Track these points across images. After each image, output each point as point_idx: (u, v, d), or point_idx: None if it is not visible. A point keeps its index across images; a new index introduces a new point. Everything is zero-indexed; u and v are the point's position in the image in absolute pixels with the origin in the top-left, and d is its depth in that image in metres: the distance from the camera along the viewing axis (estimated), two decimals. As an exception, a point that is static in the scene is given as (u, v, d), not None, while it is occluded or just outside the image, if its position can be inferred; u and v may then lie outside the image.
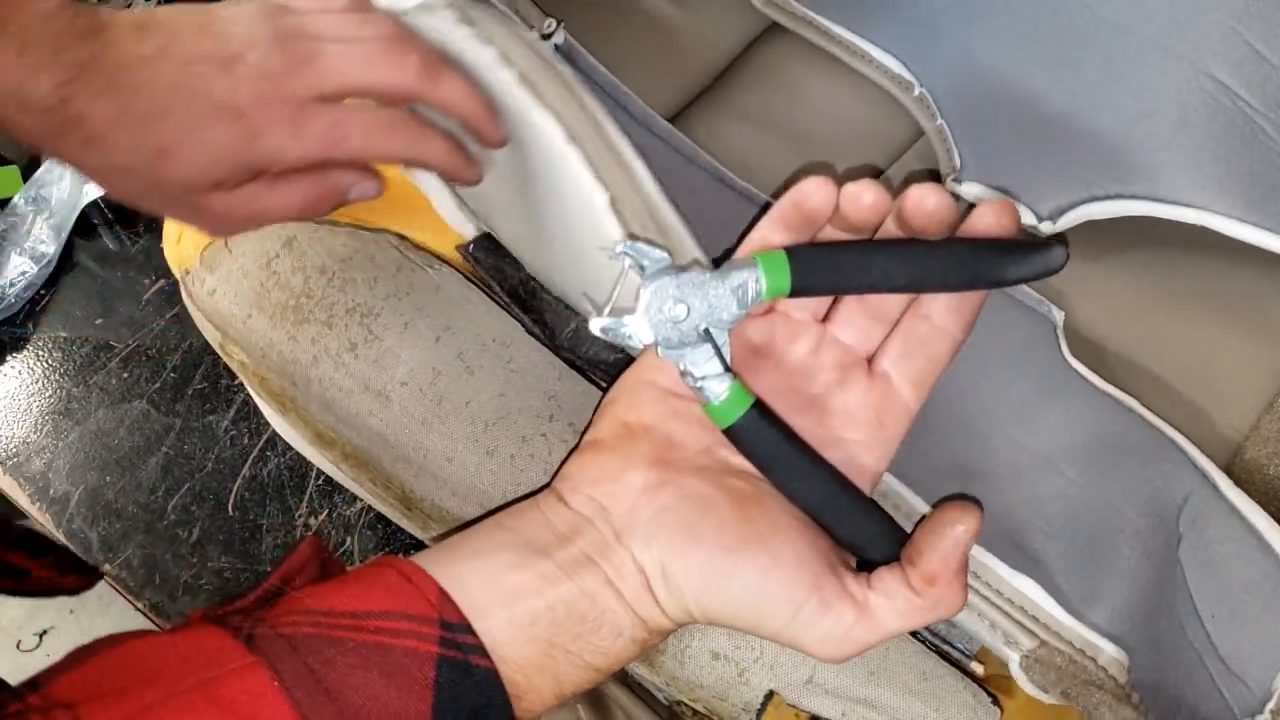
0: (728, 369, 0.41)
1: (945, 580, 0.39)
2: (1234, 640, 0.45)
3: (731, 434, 0.42)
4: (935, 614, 0.40)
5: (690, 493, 0.42)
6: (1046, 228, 0.57)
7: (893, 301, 0.43)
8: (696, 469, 0.43)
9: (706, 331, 0.41)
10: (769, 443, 0.41)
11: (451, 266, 0.55)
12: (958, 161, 0.60)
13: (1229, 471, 0.55)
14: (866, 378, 0.44)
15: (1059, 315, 0.57)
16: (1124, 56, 0.54)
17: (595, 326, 0.42)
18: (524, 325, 0.53)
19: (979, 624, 0.45)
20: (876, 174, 0.65)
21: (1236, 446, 0.56)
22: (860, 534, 0.42)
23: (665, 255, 0.42)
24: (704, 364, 0.41)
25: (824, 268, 0.41)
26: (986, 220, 0.41)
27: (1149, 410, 0.52)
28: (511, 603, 0.39)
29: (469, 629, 0.37)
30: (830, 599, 0.40)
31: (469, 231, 0.54)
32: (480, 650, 0.37)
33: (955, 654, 0.48)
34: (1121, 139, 0.55)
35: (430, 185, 0.55)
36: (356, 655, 0.35)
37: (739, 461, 0.43)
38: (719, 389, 0.41)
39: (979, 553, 0.46)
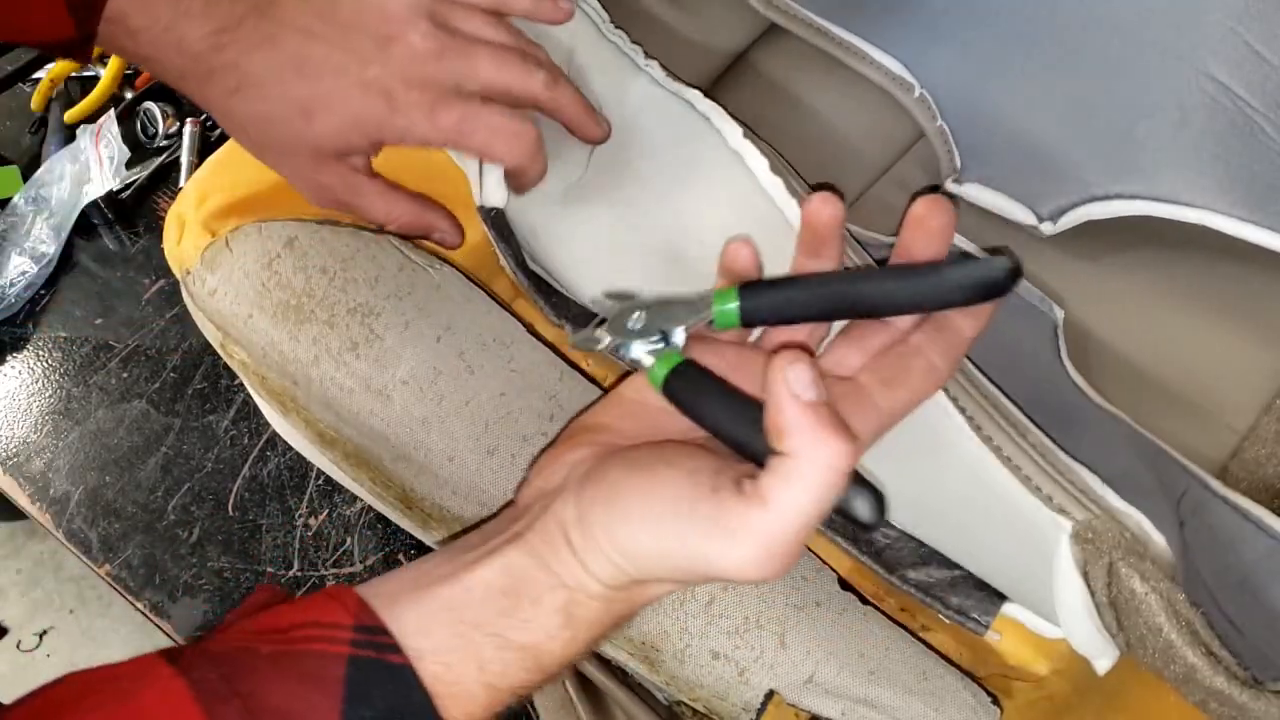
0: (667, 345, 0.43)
1: (798, 427, 0.35)
2: (1246, 613, 0.45)
3: (666, 392, 0.42)
4: (818, 469, 0.35)
5: (615, 454, 0.42)
6: (1047, 228, 0.57)
7: (879, 338, 0.43)
8: (633, 445, 0.43)
9: (662, 334, 0.44)
10: (697, 390, 0.41)
11: (453, 266, 0.55)
12: (958, 163, 0.60)
13: (1227, 471, 0.55)
14: (838, 382, 0.43)
15: (1059, 313, 0.57)
16: (1123, 57, 0.54)
17: (574, 338, 0.45)
18: (535, 298, 0.53)
19: (1032, 496, 0.42)
20: (877, 175, 0.65)
21: (1235, 447, 0.56)
22: None
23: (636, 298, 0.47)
24: (647, 348, 0.43)
25: (772, 301, 0.42)
26: (918, 211, 0.41)
27: (1147, 415, 0.52)
28: (426, 593, 0.39)
29: (383, 630, 0.37)
30: (726, 499, 0.36)
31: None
32: (395, 648, 0.37)
33: (971, 624, 0.48)
34: (1121, 139, 0.55)
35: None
36: (270, 662, 0.36)
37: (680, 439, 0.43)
38: (653, 358, 0.43)
39: (1041, 436, 0.44)
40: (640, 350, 0.44)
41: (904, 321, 0.43)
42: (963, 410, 0.43)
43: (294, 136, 0.49)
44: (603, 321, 0.46)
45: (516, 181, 0.53)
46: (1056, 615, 0.44)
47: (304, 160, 0.51)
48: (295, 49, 0.48)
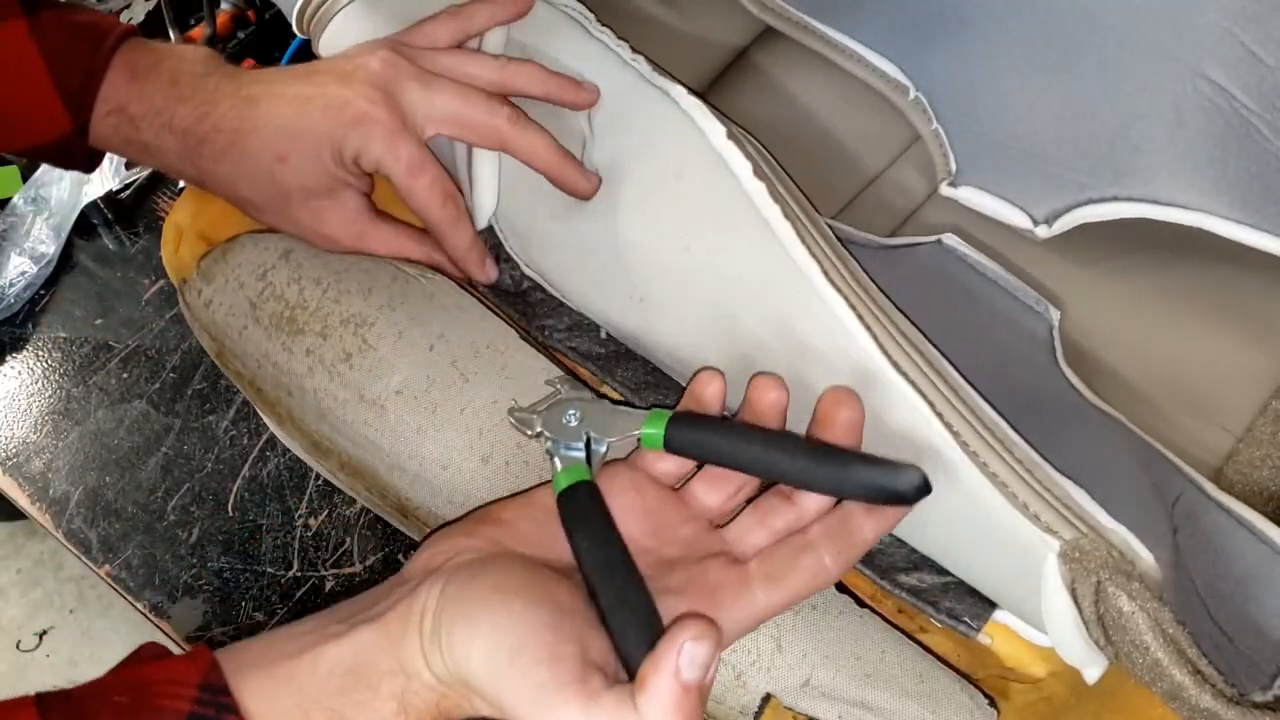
0: (587, 460, 0.46)
1: (661, 703, 0.35)
2: (1237, 620, 0.45)
3: (558, 504, 0.44)
4: None
5: (499, 559, 0.42)
6: (1042, 231, 0.57)
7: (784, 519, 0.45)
8: (523, 551, 0.43)
9: (588, 438, 0.46)
10: (583, 518, 0.43)
11: (446, 275, 0.55)
12: (953, 165, 0.60)
13: (1222, 474, 0.55)
14: (728, 566, 0.44)
15: (1055, 315, 0.57)
16: (1119, 59, 0.54)
17: (513, 415, 0.49)
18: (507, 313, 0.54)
19: (1021, 513, 0.42)
20: (873, 177, 0.65)
21: (1230, 449, 0.56)
22: (626, 633, 0.40)
23: (588, 393, 0.50)
24: (568, 449, 0.46)
25: (696, 439, 0.45)
26: (824, 407, 0.44)
27: (1143, 417, 0.52)
28: (277, 664, 0.40)
29: (226, 691, 0.38)
30: (567, 680, 0.36)
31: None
32: (233, 709, 0.38)
33: (963, 627, 0.48)
34: (1117, 141, 0.55)
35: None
36: (119, 712, 0.37)
37: (569, 562, 0.43)
38: (563, 463, 0.45)
39: (1029, 450, 0.44)
40: (560, 451, 0.46)
41: (811, 503, 0.44)
42: (949, 426, 0.43)
43: (277, 186, 0.51)
44: (544, 409, 0.48)
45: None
46: (1045, 628, 0.44)
47: (299, 210, 0.52)
48: (265, 103, 0.50)
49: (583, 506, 0.43)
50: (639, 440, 0.45)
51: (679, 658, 0.35)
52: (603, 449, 0.46)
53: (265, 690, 0.39)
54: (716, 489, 0.46)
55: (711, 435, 0.44)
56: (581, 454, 0.46)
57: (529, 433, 0.48)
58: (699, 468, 0.47)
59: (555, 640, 0.38)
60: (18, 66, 0.51)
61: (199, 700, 0.38)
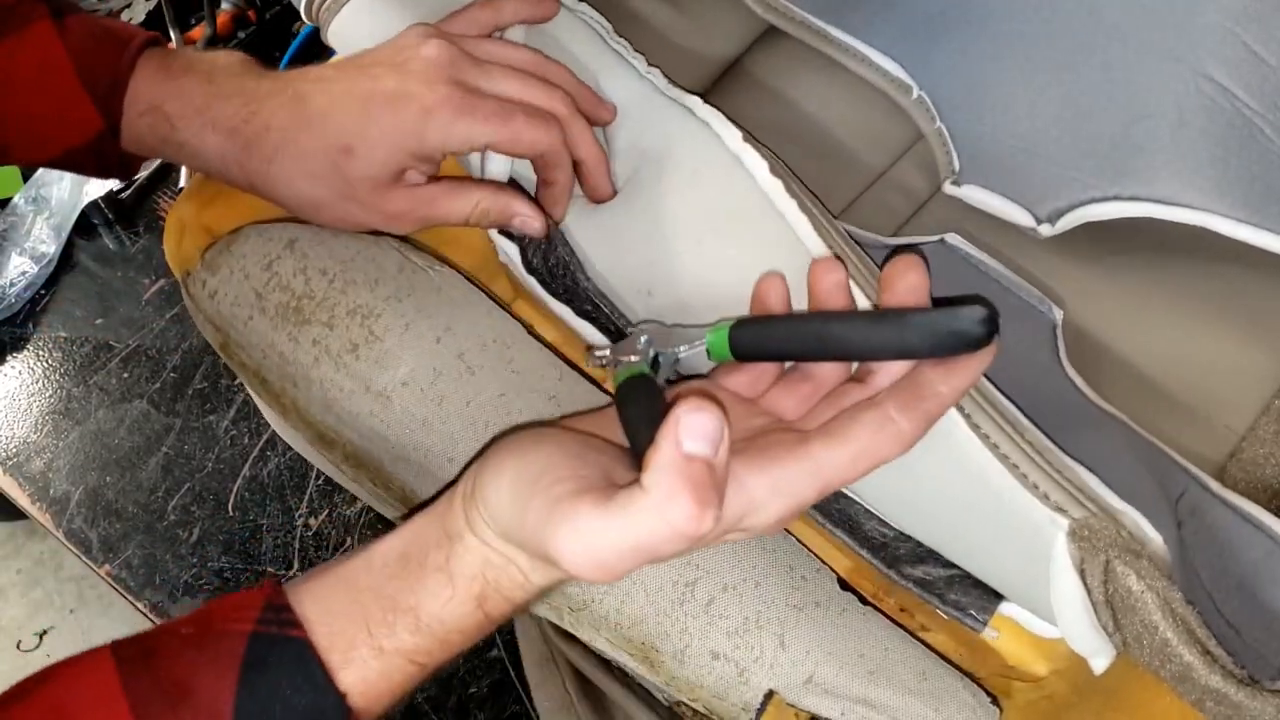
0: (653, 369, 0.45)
1: (663, 473, 0.33)
2: (1243, 613, 0.45)
3: (616, 391, 0.43)
4: (658, 519, 0.33)
5: (541, 427, 0.43)
6: (1045, 230, 0.57)
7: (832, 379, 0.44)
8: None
9: (655, 354, 0.45)
10: (636, 395, 0.41)
11: (453, 267, 0.55)
12: (956, 164, 0.60)
13: (1225, 472, 0.55)
14: (777, 426, 0.43)
15: (1058, 313, 0.57)
16: (1122, 58, 0.54)
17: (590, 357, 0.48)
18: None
19: (1029, 494, 0.42)
20: (876, 176, 0.65)
21: (1234, 447, 0.56)
22: None
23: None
24: (630, 357, 0.45)
25: (760, 336, 0.43)
26: (893, 272, 0.41)
27: (1146, 416, 0.52)
28: (333, 570, 0.41)
29: (288, 608, 0.39)
30: (585, 491, 0.36)
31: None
32: (295, 623, 0.39)
33: (969, 619, 0.48)
34: (1120, 140, 0.55)
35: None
36: (184, 639, 0.39)
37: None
38: (626, 364, 0.44)
39: (1039, 434, 0.44)
40: (623, 355, 0.45)
41: (883, 379, 0.41)
42: (960, 408, 0.43)
43: (342, 180, 0.50)
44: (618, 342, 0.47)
45: (549, 192, 0.54)
46: (1053, 615, 0.44)
47: (364, 199, 0.51)
48: (318, 97, 0.50)
49: (638, 391, 0.41)
50: (707, 352, 0.44)
51: (677, 427, 0.34)
52: (670, 360, 0.45)
53: (321, 595, 0.40)
54: (792, 392, 0.44)
55: (775, 328, 0.43)
56: (641, 359, 0.44)
57: (600, 362, 0.47)
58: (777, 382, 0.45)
59: (579, 465, 0.38)
60: (46, 67, 0.51)
61: (261, 620, 0.39)
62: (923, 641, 0.50)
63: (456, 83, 0.50)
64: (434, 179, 0.53)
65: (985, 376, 0.45)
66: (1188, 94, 0.52)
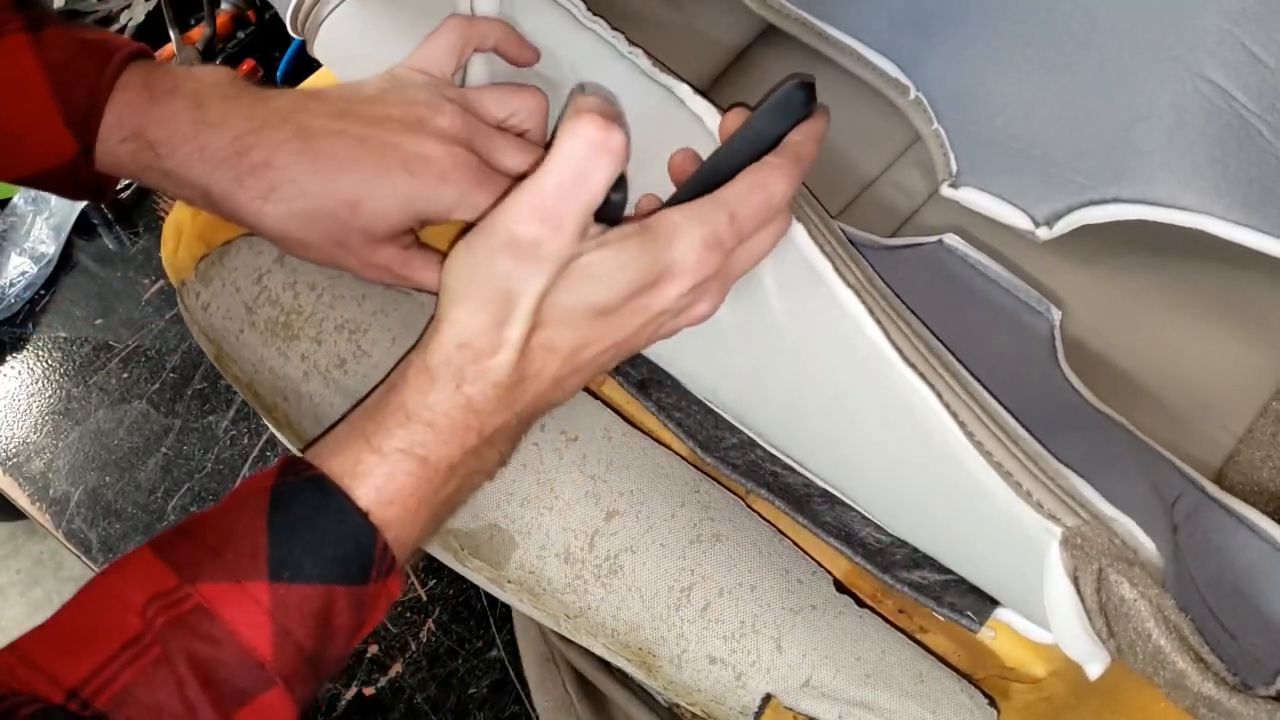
0: None
1: (568, 119, 0.41)
2: (1239, 618, 0.45)
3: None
4: (570, 138, 0.40)
5: None
6: (1043, 233, 0.57)
7: None
8: None
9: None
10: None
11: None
12: (953, 166, 0.60)
13: (1223, 474, 0.55)
14: None
15: (1056, 315, 0.57)
16: (1119, 60, 0.54)
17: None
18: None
19: (1024, 502, 0.42)
20: (874, 177, 0.65)
21: (1231, 450, 0.56)
22: None
23: None
24: None
25: (679, 196, 0.47)
26: (725, 124, 0.49)
27: (1144, 418, 0.52)
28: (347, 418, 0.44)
29: (303, 459, 0.42)
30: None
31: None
32: (310, 467, 0.41)
33: (966, 621, 0.48)
34: (1117, 142, 0.55)
35: None
36: (212, 513, 0.41)
37: None
38: None
39: (1033, 442, 0.44)
40: None
41: None
42: (955, 415, 0.43)
43: (341, 229, 0.49)
44: None
45: None
46: (1048, 621, 0.44)
47: (355, 249, 0.50)
48: (327, 142, 0.48)
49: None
50: None
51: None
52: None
53: (327, 438, 0.43)
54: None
55: (685, 186, 0.46)
56: None
57: None
58: None
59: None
60: (19, 82, 0.49)
61: (282, 472, 0.41)
62: (920, 643, 0.50)
63: (472, 150, 0.49)
64: (423, 244, 0.53)
65: (980, 384, 0.45)
66: (1186, 95, 0.52)
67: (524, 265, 0.41)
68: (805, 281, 0.46)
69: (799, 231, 0.47)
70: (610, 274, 0.42)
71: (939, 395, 0.43)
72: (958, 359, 0.46)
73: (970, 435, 0.42)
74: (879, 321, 0.45)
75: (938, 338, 0.47)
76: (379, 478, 0.41)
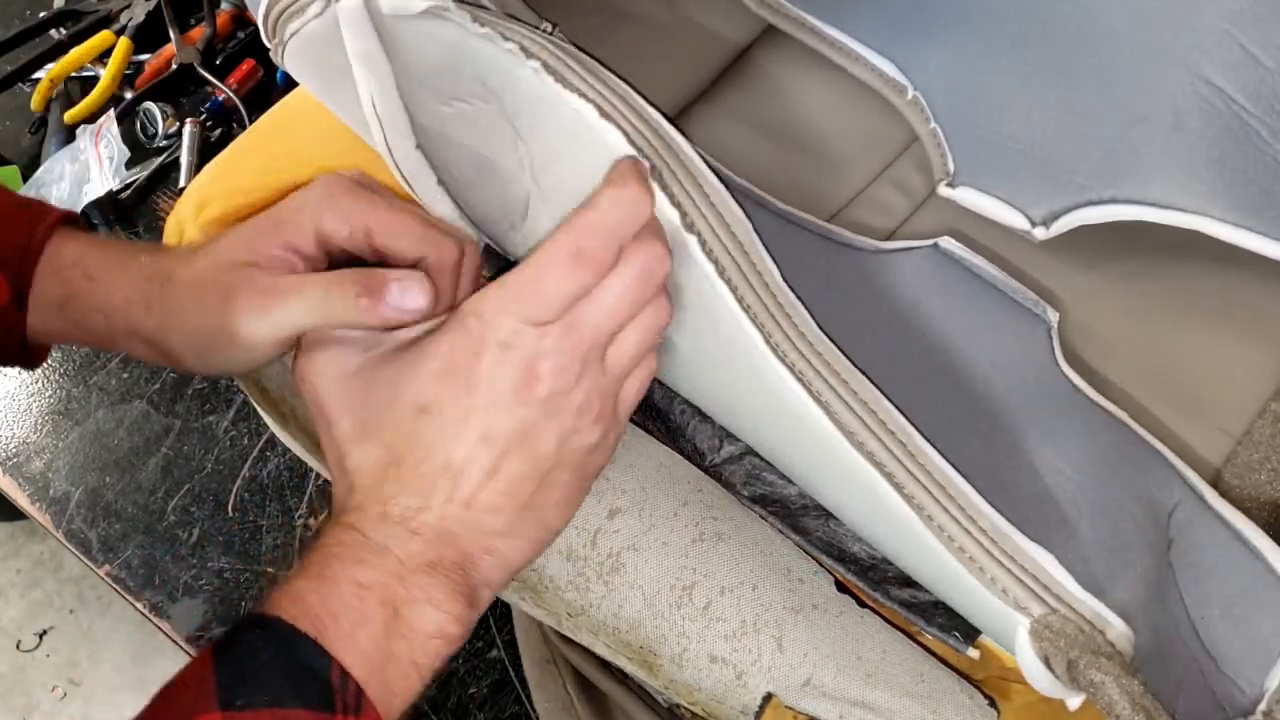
0: None
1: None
2: (1225, 641, 0.45)
3: None
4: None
5: None
6: (1040, 233, 0.57)
7: None
8: None
9: None
10: None
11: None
12: (951, 166, 0.60)
13: (1221, 476, 0.55)
14: None
15: (1054, 316, 0.57)
16: (1118, 60, 0.54)
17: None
18: None
19: (989, 589, 0.42)
20: (872, 177, 0.65)
21: (1229, 451, 0.56)
22: None
23: None
24: None
25: None
26: None
27: (1141, 419, 0.52)
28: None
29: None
30: None
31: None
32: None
33: (954, 641, 0.48)
34: (1115, 143, 0.55)
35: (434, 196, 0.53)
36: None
37: None
38: None
39: (996, 519, 0.42)
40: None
41: None
42: (910, 499, 0.41)
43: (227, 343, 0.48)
44: None
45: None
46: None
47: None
48: (186, 295, 0.48)
49: None
50: None
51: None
52: None
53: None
54: None
55: None
56: None
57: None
58: None
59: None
60: None
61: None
62: (921, 643, 0.50)
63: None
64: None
65: (928, 441, 0.42)
66: (1184, 96, 0.52)
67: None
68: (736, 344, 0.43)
69: (725, 293, 0.41)
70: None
71: (899, 488, 0.41)
72: (915, 425, 0.43)
73: (929, 520, 0.41)
74: (823, 403, 0.41)
75: (892, 400, 0.43)
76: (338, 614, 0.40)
